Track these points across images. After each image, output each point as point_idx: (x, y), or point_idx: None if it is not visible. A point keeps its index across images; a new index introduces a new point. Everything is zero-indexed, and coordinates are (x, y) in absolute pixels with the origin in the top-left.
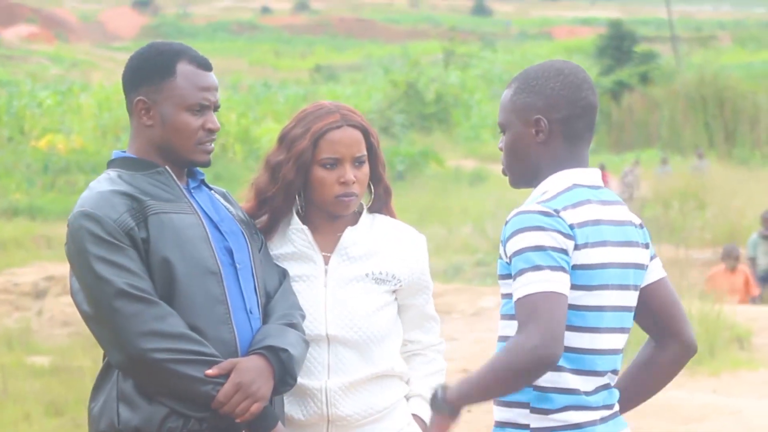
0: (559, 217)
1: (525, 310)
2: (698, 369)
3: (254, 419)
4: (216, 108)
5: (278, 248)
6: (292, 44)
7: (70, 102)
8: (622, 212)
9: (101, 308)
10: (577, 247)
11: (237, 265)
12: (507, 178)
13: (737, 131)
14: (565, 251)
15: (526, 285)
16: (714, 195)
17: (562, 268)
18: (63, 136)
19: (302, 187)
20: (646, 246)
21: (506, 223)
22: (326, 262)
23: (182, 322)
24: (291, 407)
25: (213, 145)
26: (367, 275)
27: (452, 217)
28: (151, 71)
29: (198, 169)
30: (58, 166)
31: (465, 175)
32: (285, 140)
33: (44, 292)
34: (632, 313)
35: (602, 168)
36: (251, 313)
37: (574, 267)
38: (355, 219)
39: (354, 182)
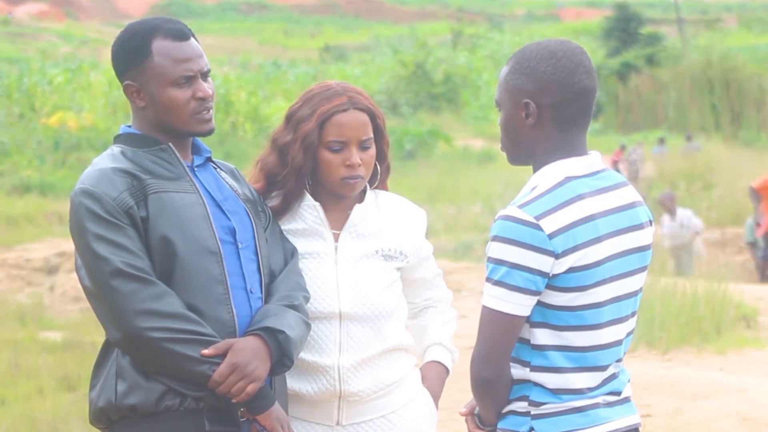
0: (539, 227)
1: (480, 321)
2: (705, 347)
3: (250, 399)
4: (205, 74)
5: (288, 223)
6: (301, 24)
7: (81, 80)
8: (626, 195)
9: (99, 286)
10: (558, 256)
11: (239, 244)
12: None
13: (743, 113)
14: (533, 270)
15: (485, 295)
16: (720, 176)
17: (521, 289)
18: (73, 114)
19: (311, 168)
20: (651, 222)
21: (494, 220)
22: (335, 239)
23: (179, 302)
24: (301, 384)
25: (211, 112)
26: (376, 252)
27: (461, 196)
28: (130, 55)
29: (204, 145)
30: (68, 143)
31: (474, 154)
32: (291, 120)
33: (56, 267)
34: (635, 298)
35: (623, 148)
36: (252, 292)
37: (566, 271)
38: (360, 196)
39: (360, 165)
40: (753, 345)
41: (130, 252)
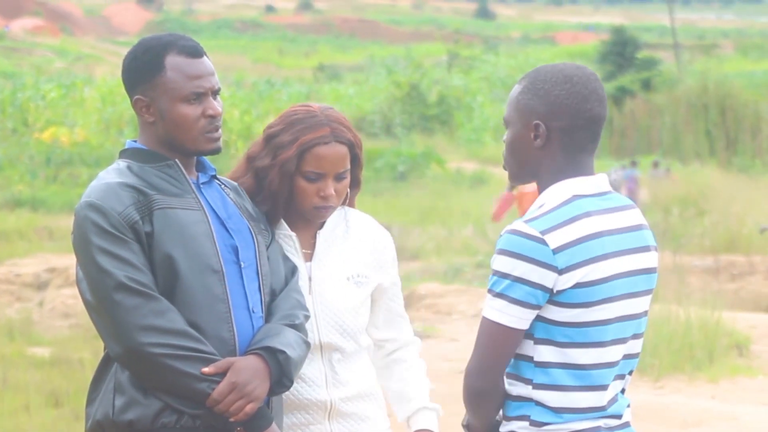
0: (544, 242)
1: (478, 332)
2: (697, 375)
3: (248, 419)
4: (215, 92)
5: None
6: (295, 43)
7: (74, 95)
8: (632, 217)
9: (102, 300)
10: (561, 271)
11: (241, 263)
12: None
13: (738, 139)
14: (535, 284)
15: (486, 306)
16: (714, 202)
17: (521, 302)
18: (66, 129)
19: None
20: (656, 248)
21: (501, 235)
22: (307, 259)
23: (181, 319)
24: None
25: (219, 132)
26: (348, 279)
27: (453, 219)
28: (142, 69)
29: (209, 163)
30: (61, 158)
31: (466, 177)
32: (270, 143)
33: (46, 283)
34: (640, 320)
35: (634, 164)
36: (253, 312)
37: (573, 286)
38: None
39: (333, 196)
40: (745, 373)
41: (134, 267)
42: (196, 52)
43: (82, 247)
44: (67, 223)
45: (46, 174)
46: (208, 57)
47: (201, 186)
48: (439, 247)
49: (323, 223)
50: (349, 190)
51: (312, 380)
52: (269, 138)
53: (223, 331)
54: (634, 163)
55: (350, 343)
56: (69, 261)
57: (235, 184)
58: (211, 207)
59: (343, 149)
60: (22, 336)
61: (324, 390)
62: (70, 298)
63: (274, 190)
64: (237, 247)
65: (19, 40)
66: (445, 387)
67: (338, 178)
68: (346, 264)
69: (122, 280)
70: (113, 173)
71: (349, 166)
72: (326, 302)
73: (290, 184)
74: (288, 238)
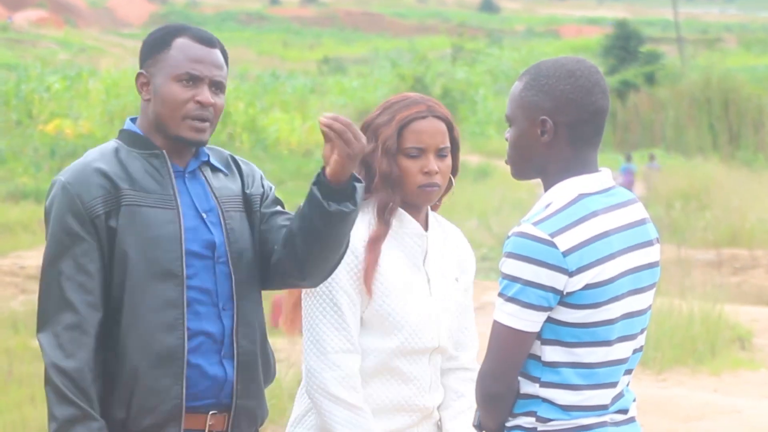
0: (554, 244)
1: (490, 336)
2: (699, 368)
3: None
4: (215, 85)
5: (388, 248)
6: (300, 36)
7: (78, 87)
8: (636, 211)
9: (43, 281)
10: (572, 274)
11: (216, 259)
12: (510, 169)
13: (741, 133)
14: (546, 288)
15: (497, 310)
16: (717, 196)
17: (534, 306)
18: (71, 121)
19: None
20: (658, 240)
21: (508, 237)
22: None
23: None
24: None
25: (205, 124)
26: (456, 281)
27: (457, 212)
28: (151, 46)
29: (204, 151)
30: (65, 150)
31: (470, 170)
32: (370, 128)
33: None
34: (646, 315)
35: (652, 158)
36: (224, 310)
37: (582, 288)
38: (426, 219)
39: (437, 173)
40: (748, 366)
41: (81, 271)
42: (208, 42)
43: (47, 220)
44: None
45: (50, 166)
46: (223, 53)
47: (186, 176)
48: None
49: (424, 224)
50: (452, 178)
51: (420, 383)
52: (367, 125)
53: (171, 338)
54: (629, 157)
55: (451, 346)
56: None
57: (227, 156)
58: (192, 201)
59: (441, 124)
60: (26, 328)
61: (428, 394)
62: None
63: (385, 171)
64: (215, 243)
65: (23, 32)
66: None
67: (439, 155)
68: (450, 266)
69: (64, 287)
70: (97, 154)
71: (449, 144)
72: (445, 305)
73: (396, 165)
74: (419, 238)
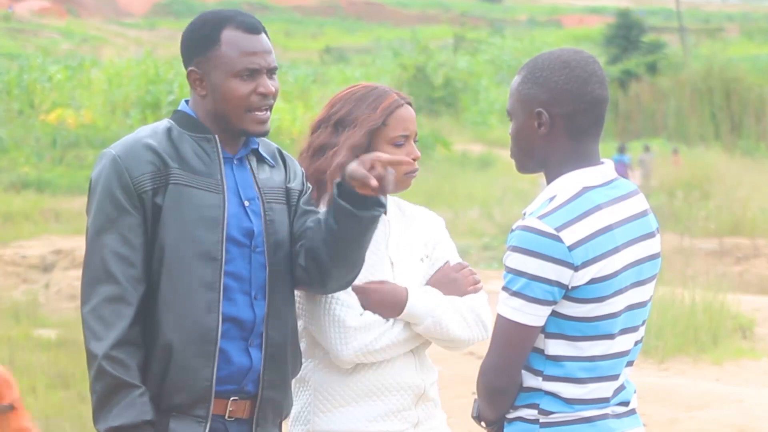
0: (559, 239)
1: (494, 330)
2: (701, 357)
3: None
4: (271, 71)
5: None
6: (302, 25)
7: (81, 77)
8: (638, 203)
9: (88, 256)
10: (577, 268)
11: (253, 248)
12: (514, 164)
13: (743, 123)
14: (552, 282)
15: (501, 304)
16: (718, 185)
17: (539, 300)
18: (73, 111)
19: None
20: (658, 230)
21: (512, 230)
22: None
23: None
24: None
25: (268, 113)
26: (421, 260)
27: (459, 201)
28: (198, 42)
29: (254, 138)
30: (67, 140)
31: (472, 159)
32: (344, 122)
33: (52, 265)
34: (647, 307)
35: (647, 149)
36: (256, 299)
37: (587, 282)
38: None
39: (419, 158)
40: (749, 356)
41: (125, 242)
42: (253, 28)
43: (92, 191)
44: (73, 205)
45: (52, 156)
46: (267, 35)
47: (234, 163)
48: None
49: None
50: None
51: (402, 360)
52: (339, 121)
53: (208, 320)
54: (622, 148)
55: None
56: (75, 243)
57: (275, 149)
58: (237, 188)
59: (413, 111)
60: (28, 318)
61: (414, 374)
62: (76, 280)
63: (354, 144)
64: (254, 231)
65: (25, 22)
66: (450, 369)
67: (415, 141)
68: (415, 248)
69: (107, 259)
70: (150, 131)
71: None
72: (410, 287)
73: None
74: (381, 224)
